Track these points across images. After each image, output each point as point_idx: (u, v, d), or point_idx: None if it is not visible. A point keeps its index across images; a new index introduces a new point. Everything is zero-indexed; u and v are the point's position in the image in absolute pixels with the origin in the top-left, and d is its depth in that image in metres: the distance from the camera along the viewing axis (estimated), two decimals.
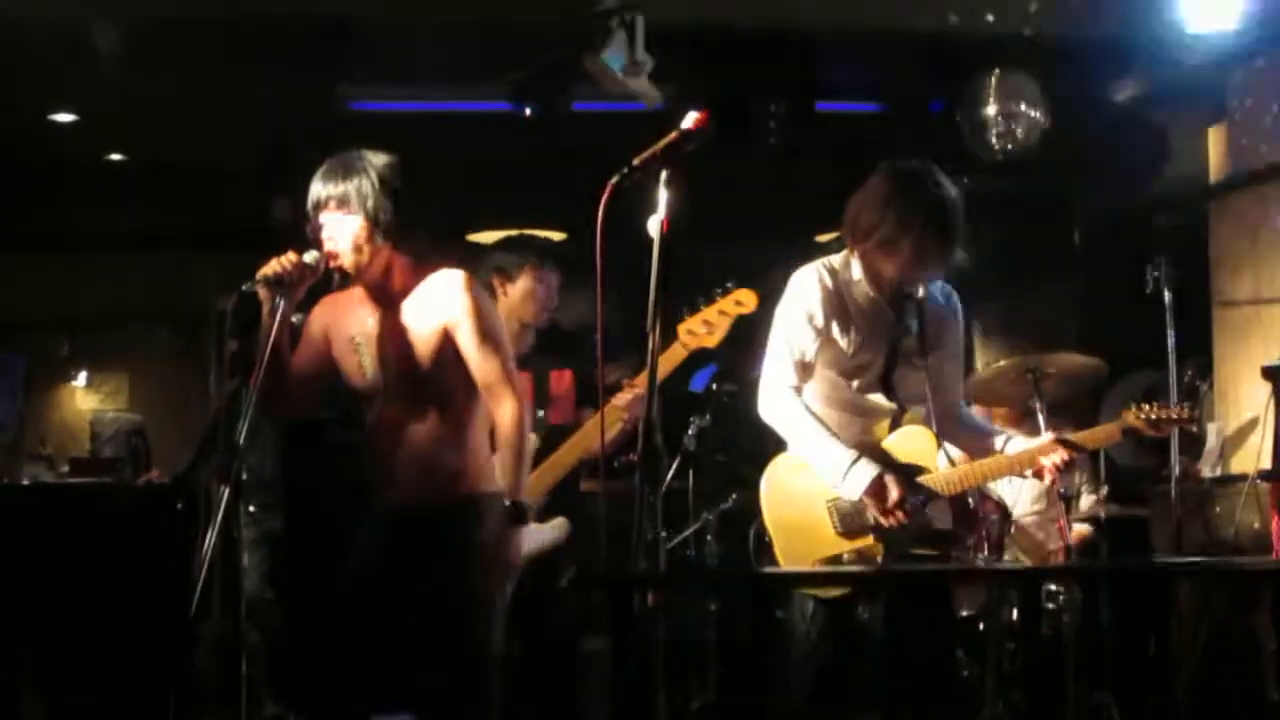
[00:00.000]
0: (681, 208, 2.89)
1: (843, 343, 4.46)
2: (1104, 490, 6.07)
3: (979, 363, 5.85)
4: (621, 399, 5.24)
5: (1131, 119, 7.18)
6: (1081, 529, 6.01)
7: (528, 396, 4.46)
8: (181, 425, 9.85)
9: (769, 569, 4.51)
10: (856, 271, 4.48)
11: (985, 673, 5.34)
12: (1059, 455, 4.43)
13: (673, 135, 3.07)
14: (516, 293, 5.36)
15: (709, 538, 6.18)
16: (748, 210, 9.08)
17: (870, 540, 4.41)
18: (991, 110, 6.78)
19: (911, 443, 4.48)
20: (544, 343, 5.55)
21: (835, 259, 4.55)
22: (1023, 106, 6.77)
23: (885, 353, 4.50)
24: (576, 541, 5.22)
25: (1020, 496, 5.90)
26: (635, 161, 2.98)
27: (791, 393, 4.45)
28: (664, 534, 2.80)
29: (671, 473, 6.10)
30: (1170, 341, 5.68)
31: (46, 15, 6.42)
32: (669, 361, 5.02)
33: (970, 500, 4.99)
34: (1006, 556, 5.80)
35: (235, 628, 3.82)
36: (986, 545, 5.39)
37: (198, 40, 6.81)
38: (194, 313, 6.27)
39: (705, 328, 4.94)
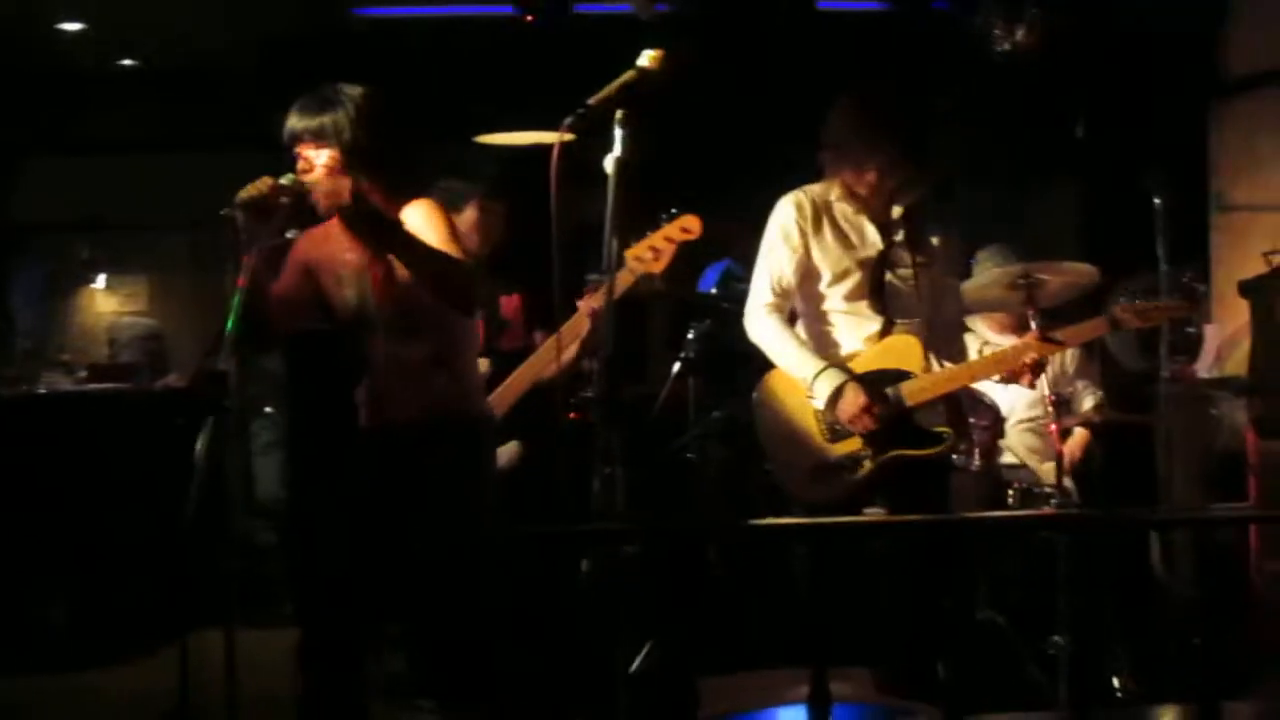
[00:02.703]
0: (640, 144, 2.92)
1: (824, 262, 4.64)
2: (1100, 394, 6.10)
3: (977, 269, 5.84)
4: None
5: (1135, 20, 7.13)
6: (1081, 434, 6.05)
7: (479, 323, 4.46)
8: (199, 329, 9.94)
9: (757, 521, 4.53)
10: (835, 193, 4.65)
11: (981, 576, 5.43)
12: (1030, 354, 4.56)
13: (628, 74, 3.10)
14: (461, 223, 5.17)
15: (708, 443, 6.20)
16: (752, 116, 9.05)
17: (858, 445, 4.58)
18: (993, 10, 6.73)
19: (894, 352, 4.62)
20: (491, 267, 5.52)
21: (816, 185, 4.72)
22: (1025, 6, 6.72)
23: (869, 268, 4.62)
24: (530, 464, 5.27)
25: (1015, 402, 5.94)
26: (590, 101, 3.01)
27: (767, 311, 4.66)
28: (619, 470, 2.84)
29: (673, 377, 6.13)
30: (1163, 243, 5.67)
31: None
32: (616, 288, 5.05)
33: (962, 405, 5.10)
34: (1004, 460, 5.89)
35: (224, 533, 3.91)
36: (978, 450, 5.49)
37: None
38: (209, 217, 6.31)
39: (651, 254, 4.93)
